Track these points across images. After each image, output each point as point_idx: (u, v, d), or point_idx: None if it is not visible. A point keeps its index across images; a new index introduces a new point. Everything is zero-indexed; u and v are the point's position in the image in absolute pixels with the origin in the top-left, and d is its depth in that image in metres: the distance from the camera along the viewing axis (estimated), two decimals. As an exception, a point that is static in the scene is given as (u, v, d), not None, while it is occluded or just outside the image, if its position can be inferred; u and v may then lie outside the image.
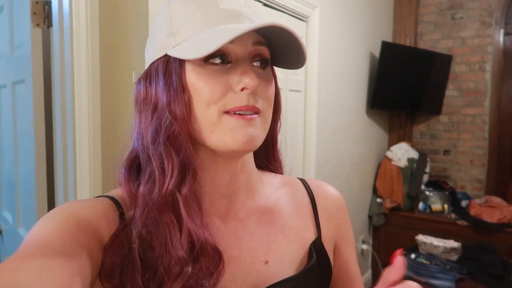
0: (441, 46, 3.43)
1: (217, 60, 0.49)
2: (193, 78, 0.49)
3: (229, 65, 0.50)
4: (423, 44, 3.49)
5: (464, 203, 3.21)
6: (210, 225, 0.51)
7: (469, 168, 3.43)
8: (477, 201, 3.25)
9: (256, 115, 0.50)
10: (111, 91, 1.23)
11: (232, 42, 0.48)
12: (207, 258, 0.46)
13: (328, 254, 0.60)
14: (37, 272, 0.36)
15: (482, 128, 3.37)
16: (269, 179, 0.63)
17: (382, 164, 3.31)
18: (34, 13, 1.24)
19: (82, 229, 0.45)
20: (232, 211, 0.56)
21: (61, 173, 1.23)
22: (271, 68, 0.55)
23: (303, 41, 0.49)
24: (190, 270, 0.45)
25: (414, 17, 3.48)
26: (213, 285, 0.47)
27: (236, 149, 0.49)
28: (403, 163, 3.26)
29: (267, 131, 0.53)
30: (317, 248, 0.58)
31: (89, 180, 1.17)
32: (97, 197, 0.53)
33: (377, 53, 3.09)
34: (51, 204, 1.36)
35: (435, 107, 3.42)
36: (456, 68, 3.40)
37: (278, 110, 0.59)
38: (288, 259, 0.56)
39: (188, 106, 0.49)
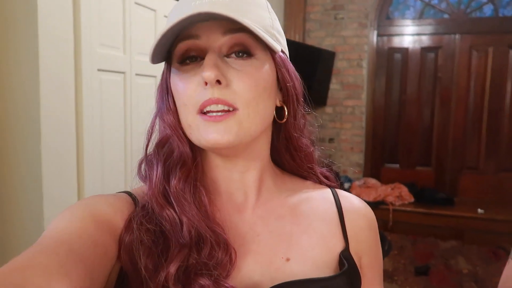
0: (326, 43, 3.75)
1: (188, 61, 0.50)
2: (173, 81, 0.51)
3: (202, 61, 0.49)
4: (311, 41, 3.77)
5: (346, 186, 3.60)
6: (225, 219, 0.52)
7: (350, 154, 3.85)
8: (357, 183, 3.68)
9: (227, 114, 0.47)
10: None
11: (197, 37, 0.49)
12: (210, 246, 0.47)
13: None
14: (48, 272, 0.37)
15: (360, 118, 3.79)
16: (294, 181, 0.62)
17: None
18: None
19: (99, 225, 0.46)
20: (249, 207, 0.56)
21: None
22: (271, 57, 0.52)
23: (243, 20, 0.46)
24: (187, 251, 0.46)
25: (302, 15, 3.72)
26: (226, 276, 0.47)
27: (211, 147, 0.50)
28: (295, 151, 3.50)
29: (252, 126, 0.50)
30: (346, 258, 0.54)
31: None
32: (118, 192, 0.55)
33: (270, 48, 3.23)
34: None
35: (321, 99, 3.74)
36: (339, 64, 3.75)
37: (288, 103, 0.56)
38: (312, 260, 0.53)
39: (173, 110, 0.52)
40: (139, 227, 0.48)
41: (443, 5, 3.65)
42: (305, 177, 0.63)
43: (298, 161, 0.61)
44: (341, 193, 0.62)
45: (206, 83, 0.47)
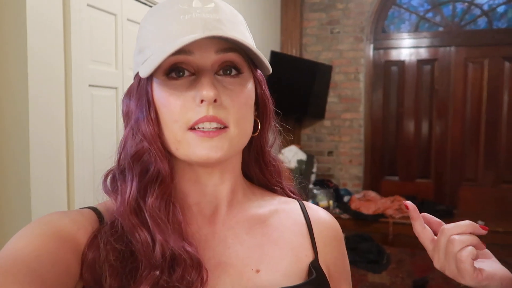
0: (323, 57, 3.78)
1: (174, 75, 0.50)
2: (158, 95, 0.50)
3: (193, 77, 0.50)
4: (308, 55, 3.81)
5: (346, 199, 3.58)
6: (195, 232, 0.53)
7: (349, 167, 3.84)
8: (356, 196, 3.66)
9: (220, 130, 0.49)
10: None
11: (190, 53, 0.49)
12: (183, 267, 0.46)
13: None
14: None
15: (358, 131, 3.80)
16: (263, 194, 0.63)
17: (275, 166, 3.51)
18: None
19: (60, 242, 0.45)
20: (219, 219, 0.56)
21: None
22: (252, 74, 0.55)
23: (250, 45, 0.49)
24: (158, 273, 0.45)
25: (299, 30, 3.77)
26: None
27: (201, 162, 0.50)
28: (293, 164, 3.50)
29: (240, 143, 0.52)
30: (315, 268, 0.55)
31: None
32: (82, 208, 0.53)
33: (266, 63, 3.27)
34: None
35: (319, 113, 3.75)
36: (336, 77, 3.78)
37: (265, 118, 0.58)
38: (282, 271, 0.54)
39: (155, 122, 0.50)
40: (105, 246, 0.46)
41: (437, 18, 3.69)
42: (273, 191, 0.64)
43: (267, 175, 0.63)
44: (308, 205, 0.64)
45: (201, 101, 0.47)
